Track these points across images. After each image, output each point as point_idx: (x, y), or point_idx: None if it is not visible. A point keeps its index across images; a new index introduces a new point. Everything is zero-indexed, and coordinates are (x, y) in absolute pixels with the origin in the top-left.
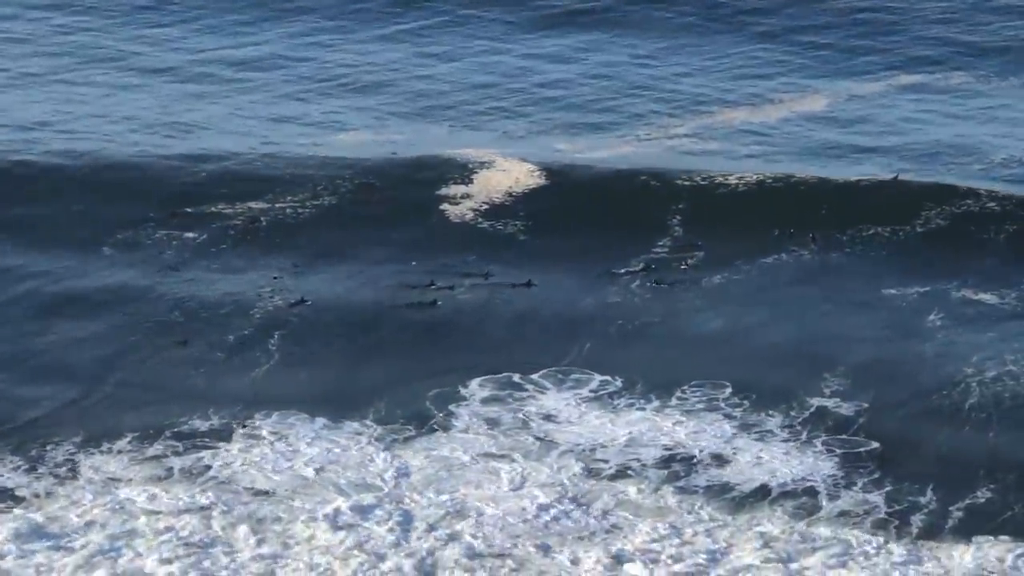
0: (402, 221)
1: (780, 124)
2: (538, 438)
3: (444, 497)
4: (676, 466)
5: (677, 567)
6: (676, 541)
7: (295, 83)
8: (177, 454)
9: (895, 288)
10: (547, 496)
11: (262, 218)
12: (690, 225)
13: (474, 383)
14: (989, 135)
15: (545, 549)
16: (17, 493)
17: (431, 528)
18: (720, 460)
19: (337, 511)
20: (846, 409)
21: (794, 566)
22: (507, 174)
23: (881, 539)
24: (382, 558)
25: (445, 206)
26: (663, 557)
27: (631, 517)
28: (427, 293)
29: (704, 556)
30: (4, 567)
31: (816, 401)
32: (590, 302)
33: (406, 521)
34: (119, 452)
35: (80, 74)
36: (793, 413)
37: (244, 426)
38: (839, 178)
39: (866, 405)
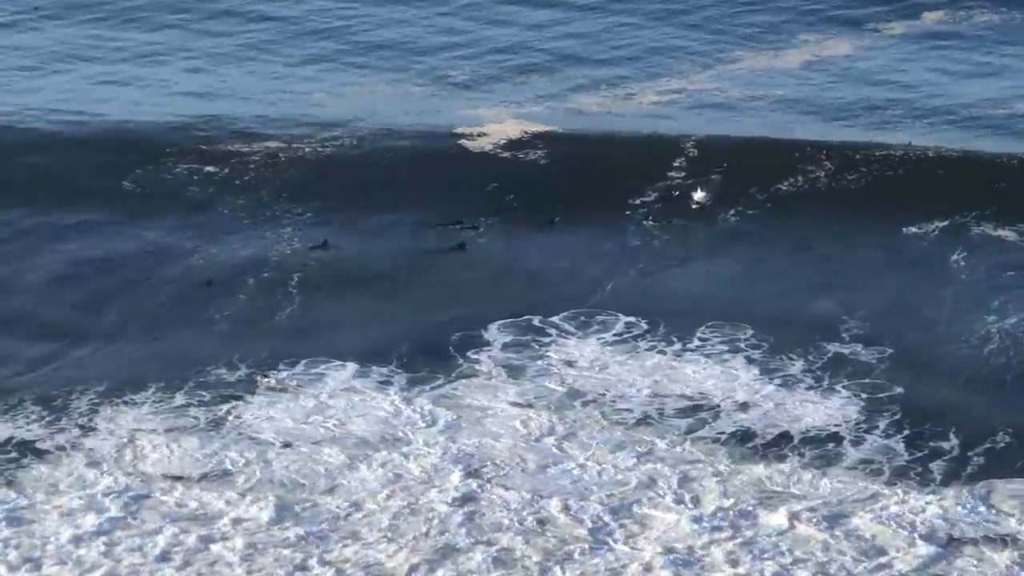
0: (423, 157)
1: (801, 71)
2: (561, 386)
3: (470, 450)
4: (701, 413)
5: (702, 518)
6: (701, 492)
7: (292, 38)
8: (202, 405)
9: (916, 225)
10: (571, 448)
11: (281, 155)
12: (704, 150)
13: (495, 327)
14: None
15: (569, 504)
16: (38, 446)
17: (458, 485)
18: (743, 406)
19: (359, 467)
20: (866, 354)
21: (819, 514)
22: (522, 123)
23: (903, 485)
24: (416, 512)
25: (463, 141)
26: (687, 509)
27: (656, 468)
28: (452, 234)
29: (729, 505)
30: (6, 535)
31: (836, 345)
32: (610, 242)
33: (432, 478)
34: (142, 403)
35: (73, 30)
36: (812, 357)
37: (266, 376)
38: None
39: (888, 350)
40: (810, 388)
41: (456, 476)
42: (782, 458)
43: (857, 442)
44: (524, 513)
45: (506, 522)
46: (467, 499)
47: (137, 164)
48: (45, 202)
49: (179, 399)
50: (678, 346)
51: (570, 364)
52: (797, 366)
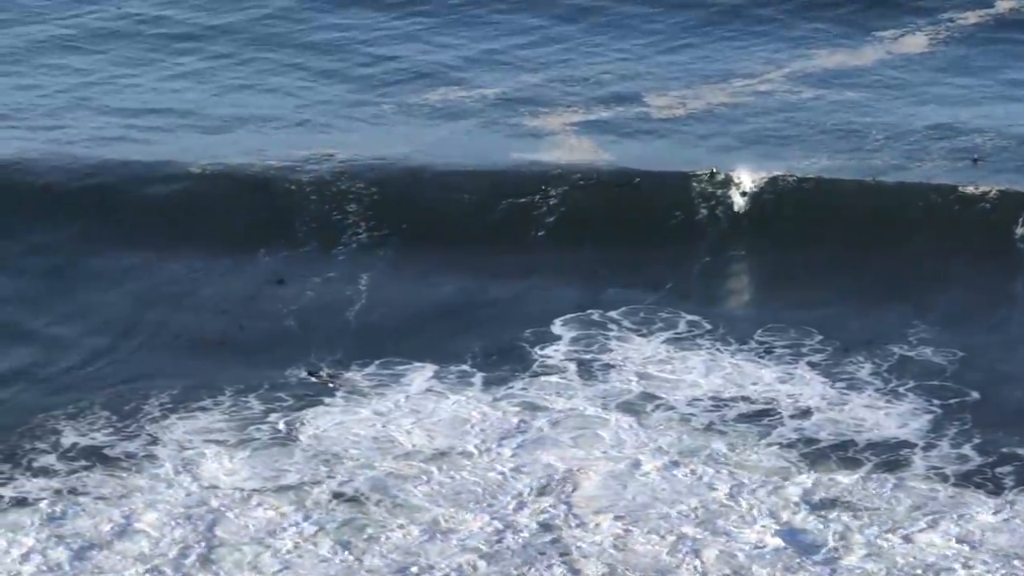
0: (488, 155)
1: (875, 68)
2: (629, 388)
3: (544, 462)
4: (767, 419)
5: (772, 525)
6: (774, 500)
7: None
8: (280, 410)
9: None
10: (645, 457)
11: (338, 154)
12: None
13: (559, 321)
14: None
15: (651, 521)
16: (106, 453)
17: (539, 502)
18: (809, 412)
19: (436, 481)
20: (936, 355)
21: (889, 523)
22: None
23: (975, 494)
24: (497, 531)
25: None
26: (756, 520)
27: (727, 477)
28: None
29: (798, 515)
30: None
31: (905, 348)
32: (673, 228)
33: (510, 494)
34: (214, 408)
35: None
36: (878, 360)
37: (334, 377)
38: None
39: (959, 352)
40: (878, 391)
41: (537, 490)
42: (853, 465)
43: (928, 448)
44: (606, 532)
45: (584, 545)
46: (549, 517)
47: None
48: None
49: (254, 403)
50: (742, 346)
51: (637, 364)
52: (865, 369)
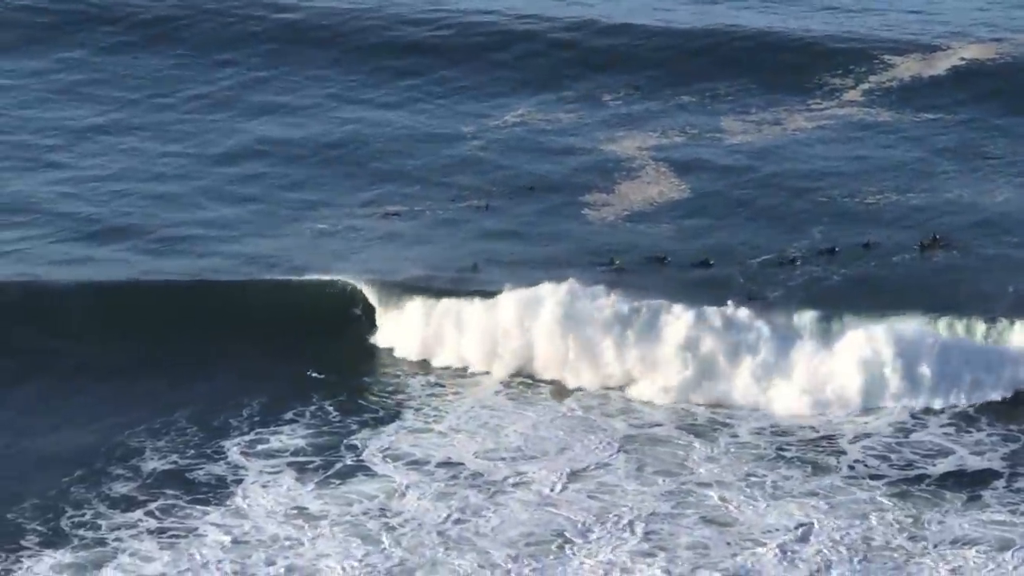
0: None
1: (949, 78)
2: (694, 415)
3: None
4: (834, 446)
5: (849, 561)
6: (853, 534)
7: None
8: (358, 427)
9: None
10: (712, 491)
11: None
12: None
13: None
14: None
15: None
16: (189, 476)
17: (589, 546)
18: (879, 439)
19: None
20: None
21: (961, 559)
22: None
23: None
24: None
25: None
26: (840, 549)
27: (806, 511)
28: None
29: (874, 551)
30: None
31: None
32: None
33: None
34: (300, 424)
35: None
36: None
37: None
38: None
39: None
40: (951, 420)
41: (595, 531)
42: (927, 494)
43: (1013, 478)
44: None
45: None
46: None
47: None
48: None
49: (333, 414)
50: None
51: None
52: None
